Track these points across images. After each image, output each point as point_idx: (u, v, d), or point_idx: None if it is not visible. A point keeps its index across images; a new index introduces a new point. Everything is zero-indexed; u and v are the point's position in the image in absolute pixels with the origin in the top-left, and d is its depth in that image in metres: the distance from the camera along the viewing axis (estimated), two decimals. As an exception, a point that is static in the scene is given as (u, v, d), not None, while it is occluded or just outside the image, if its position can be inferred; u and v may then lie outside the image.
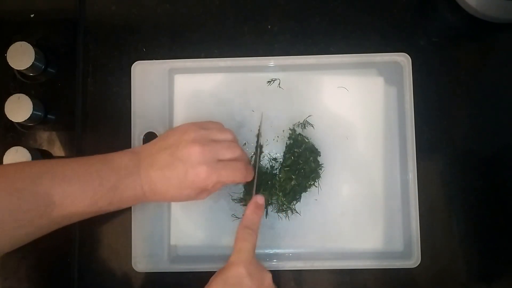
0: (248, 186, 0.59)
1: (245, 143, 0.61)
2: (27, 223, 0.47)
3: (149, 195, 0.51)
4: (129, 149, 0.54)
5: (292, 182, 0.58)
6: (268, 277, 0.51)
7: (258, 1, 0.64)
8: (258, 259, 0.52)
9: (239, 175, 0.53)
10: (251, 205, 0.54)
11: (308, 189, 0.60)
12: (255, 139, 0.61)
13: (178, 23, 0.64)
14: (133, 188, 0.50)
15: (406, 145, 0.60)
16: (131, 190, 0.50)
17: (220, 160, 0.51)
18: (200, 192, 0.52)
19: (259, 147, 0.60)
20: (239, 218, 0.60)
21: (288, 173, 0.58)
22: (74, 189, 0.48)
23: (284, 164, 0.59)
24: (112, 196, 0.50)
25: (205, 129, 0.53)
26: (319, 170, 0.60)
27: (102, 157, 0.52)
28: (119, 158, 0.51)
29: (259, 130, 0.61)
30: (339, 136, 0.61)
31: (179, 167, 0.50)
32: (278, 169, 0.60)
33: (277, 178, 0.59)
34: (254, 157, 0.60)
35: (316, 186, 0.60)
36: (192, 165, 0.50)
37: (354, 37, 0.63)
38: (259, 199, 0.54)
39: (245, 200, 0.59)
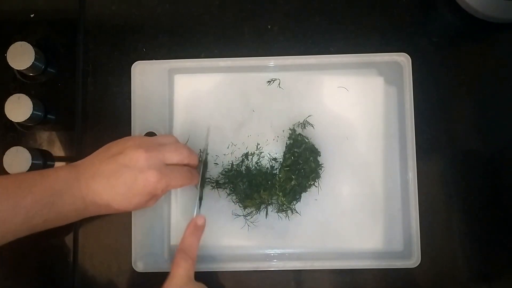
0: (248, 189, 0.59)
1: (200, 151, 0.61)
2: None
3: (92, 208, 0.50)
4: (67, 164, 0.52)
5: (292, 182, 0.58)
6: None
7: (258, 1, 0.64)
8: (198, 282, 0.51)
9: (186, 180, 0.52)
10: (190, 225, 0.52)
11: (308, 189, 0.60)
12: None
13: (178, 23, 0.64)
14: (72, 202, 0.48)
15: (406, 145, 0.60)
16: (69, 205, 0.48)
17: (167, 164, 0.50)
18: (150, 199, 0.51)
19: (203, 163, 0.59)
20: (239, 215, 0.60)
21: (288, 173, 0.58)
22: (3, 207, 0.45)
23: (284, 164, 0.59)
24: (48, 212, 0.47)
25: (146, 137, 0.52)
26: (319, 170, 0.60)
27: (36, 173, 0.50)
28: (55, 173, 0.49)
29: (206, 145, 0.60)
30: (339, 136, 0.61)
31: (126, 174, 0.48)
32: (278, 169, 0.60)
33: (277, 178, 0.59)
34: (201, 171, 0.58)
35: (316, 186, 0.60)
36: (141, 170, 0.48)
37: (354, 37, 0.63)
38: (199, 219, 0.52)
39: (244, 203, 0.59)
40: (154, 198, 0.52)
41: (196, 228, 0.52)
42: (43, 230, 0.49)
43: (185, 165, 0.53)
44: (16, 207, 0.46)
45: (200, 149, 0.60)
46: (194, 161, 0.54)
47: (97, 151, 0.52)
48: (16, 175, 0.50)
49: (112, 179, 0.48)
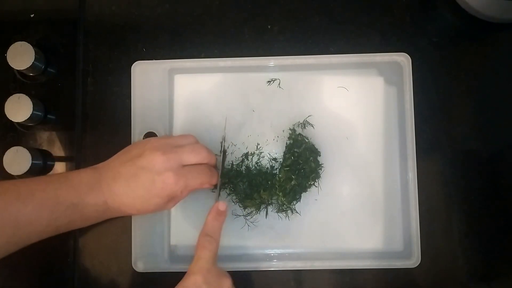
0: (248, 189, 0.59)
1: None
2: None
3: (113, 210, 0.51)
4: (89, 167, 0.53)
5: (292, 182, 0.58)
6: (227, 283, 0.50)
7: (258, 1, 0.64)
8: (220, 267, 0.51)
9: (205, 178, 0.52)
10: (212, 211, 0.53)
11: (308, 189, 0.60)
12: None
13: (178, 23, 0.64)
14: (95, 204, 0.49)
15: (406, 145, 0.60)
16: (92, 206, 0.49)
17: (185, 166, 0.51)
18: (168, 201, 0.51)
19: (223, 152, 0.60)
20: (239, 215, 0.60)
21: (288, 173, 0.58)
22: (29, 210, 0.47)
23: (284, 164, 0.59)
24: (71, 214, 0.49)
25: (166, 139, 0.53)
26: (319, 170, 0.60)
27: (60, 175, 0.51)
28: (78, 176, 0.50)
29: (224, 135, 0.60)
30: (339, 136, 0.61)
31: (144, 176, 0.49)
32: (278, 169, 0.60)
33: (277, 178, 0.59)
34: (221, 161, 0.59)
35: (316, 186, 0.60)
36: (158, 172, 0.49)
37: (354, 37, 0.63)
38: (221, 205, 0.53)
39: (244, 203, 0.59)
40: (173, 200, 0.52)
41: (219, 213, 0.53)
42: (66, 231, 0.51)
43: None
44: (41, 209, 0.47)
45: (223, 139, 0.60)
46: (212, 161, 0.55)
47: (118, 153, 0.53)
48: (41, 178, 0.51)
49: (131, 181, 0.49)
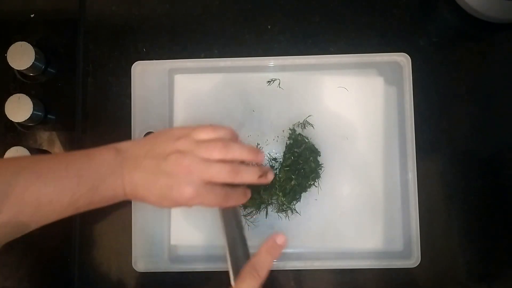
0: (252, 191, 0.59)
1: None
2: (2, 223, 0.45)
3: (130, 196, 0.50)
4: (113, 145, 0.51)
5: (292, 182, 0.58)
6: None
7: (258, 1, 0.64)
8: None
9: (221, 201, 0.50)
10: (268, 242, 0.48)
11: (308, 189, 0.60)
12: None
13: (178, 23, 0.64)
14: (114, 188, 0.49)
15: (406, 145, 0.60)
16: (111, 190, 0.49)
17: (207, 183, 0.48)
18: (178, 206, 0.51)
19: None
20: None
21: (288, 173, 0.58)
22: (50, 189, 0.46)
23: (284, 164, 0.59)
24: (92, 195, 0.48)
25: (197, 142, 0.49)
26: (319, 170, 0.60)
27: (82, 154, 0.49)
28: (100, 156, 0.49)
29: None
30: (339, 136, 0.61)
31: (164, 181, 0.48)
32: (278, 169, 0.60)
33: (277, 178, 0.59)
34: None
35: (316, 186, 0.60)
36: (178, 183, 0.47)
37: (354, 37, 0.63)
38: (280, 238, 0.48)
39: (244, 203, 0.59)
40: (182, 206, 0.51)
41: (273, 246, 0.48)
42: (86, 210, 0.49)
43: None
44: (63, 189, 0.46)
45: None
46: (243, 182, 0.50)
47: (144, 140, 0.52)
48: (62, 155, 0.50)
49: (151, 180, 0.48)
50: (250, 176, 0.50)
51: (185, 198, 0.48)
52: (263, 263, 0.47)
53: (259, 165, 0.53)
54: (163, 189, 0.48)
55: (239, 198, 0.52)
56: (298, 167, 0.59)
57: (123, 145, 0.51)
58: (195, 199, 0.48)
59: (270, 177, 0.52)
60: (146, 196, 0.49)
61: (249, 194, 0.54)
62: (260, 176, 0.50)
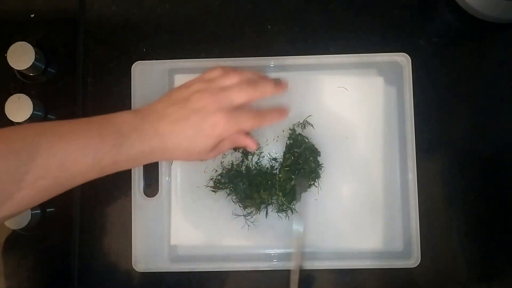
0: (248, 189, 0.59)
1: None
2: (28, 185, 0.45)
3: (158, 150, 0.50)
4: (128, 110, 0.52)
5: (292, 182, 0.58)
6: None
7: (258, 1, 0.64)
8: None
9: (256, 119, 0.52)
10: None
11: (308, 189, 0.60)
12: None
13: (178, 23, 0.64)
14: (139, 144, 0.49)
15: (406, 145, 0.60)
16: (137, 146, 0.48)
17: (236, 107, 0.50)
18: (215, 145, 0.51)
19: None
20: (239, 215, 0.60)
21: (288, 173, 0.58)
22: (73, 148, 0.46)
23: (284, 164, 0.59)
24: (116, 154, 0.48)
25: (210, 80, 0.52)
26: (319, 170, 0.60)
27: (101, 117, 0.50)
28: (120, 117, 0.50)
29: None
30: (339, 136, 0.61)
31: (195, 117, 0.49)
32: (278, 169, 0.60)
33: (277, 178, 0.59)
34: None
35: (316, 186, 0.60)
36: (209, 112, 0.49)
37: (354, 37, 0.63)
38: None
39: (244, 203, 0.59)
40: (218, 148, 0.52)
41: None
42: (113, 172, 0.49)
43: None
44: (85, 147, 0.46)
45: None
46: (264, 93, 0.53)
47: (157, 100, 0.52)
48: (81, 119, 0.50)
49: (179, 122, 0.49)
50: (268, 85, 0.53)
51: (221, 123, 0.49)
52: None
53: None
54: (195, 126, 0.49)
55: (274, 115, 0.54)
56: (298, 167, 0.59)
57: (139, 108, 0.52)
58: (231, 122, 0.49)
59: (284, 83, 0.54)
60: (177, 144, 0.50)
61: (286, 112, 0.55)
62: (276, 84, 0.53)
